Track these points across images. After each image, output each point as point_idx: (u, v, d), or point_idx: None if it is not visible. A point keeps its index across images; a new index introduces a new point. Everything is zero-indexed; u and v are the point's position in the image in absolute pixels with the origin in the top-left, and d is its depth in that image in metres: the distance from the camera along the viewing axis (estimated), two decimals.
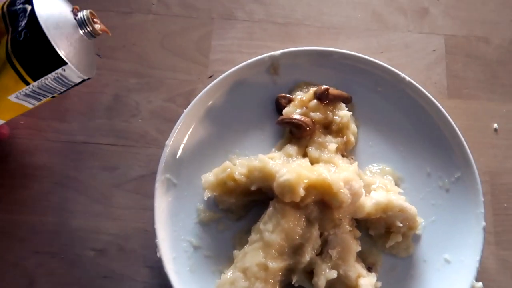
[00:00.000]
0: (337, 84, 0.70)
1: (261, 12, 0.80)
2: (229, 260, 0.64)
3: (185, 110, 0.68)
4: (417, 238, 0.67)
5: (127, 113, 0.74)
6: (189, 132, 0.69)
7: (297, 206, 0.60)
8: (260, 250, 0.59)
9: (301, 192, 0.58)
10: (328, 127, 0.68)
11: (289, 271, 0.60)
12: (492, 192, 0.71)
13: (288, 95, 0.71)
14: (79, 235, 0.69)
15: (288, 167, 0.60)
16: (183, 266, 0.64)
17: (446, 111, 0.68)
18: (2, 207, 0.70)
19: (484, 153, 0.73)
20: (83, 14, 0.59)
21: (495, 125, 0.75)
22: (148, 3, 0.80)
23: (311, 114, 0.67)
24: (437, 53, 0.78)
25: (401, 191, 0.67)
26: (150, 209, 0.65)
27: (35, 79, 0.58)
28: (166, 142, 0.67)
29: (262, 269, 0.58)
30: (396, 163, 0.70)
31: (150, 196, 0.65)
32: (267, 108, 0.71)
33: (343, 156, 0.68)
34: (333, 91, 0.68)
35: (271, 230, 0.59)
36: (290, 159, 0.65)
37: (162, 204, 0.66)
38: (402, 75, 0.70)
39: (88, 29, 0.59)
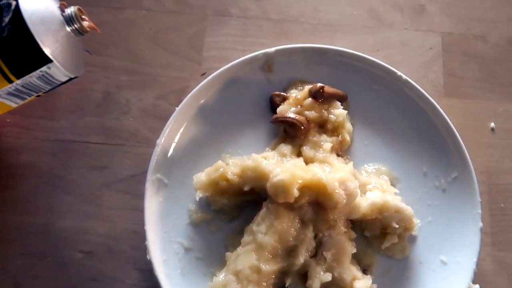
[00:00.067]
0: (333, 82, 0.69)
1: (256, 8, 0.79)
2: (221, 262, 0.63)
3: (177, 108, 0.67)
4: (413, 239, 0.66)
5: (118, 111, 0.73)
6: (181, 131, 0.68)
7: (291, 207, 0.59)
8: (253, 252, 0.58)
9: (295, 192, 0.57)
10: (323, 126, 0.67)
11: (282, 274, 0.59)
12: (489, 192, 0.71)
13: (282, 93, 0.70)
14: (67, 236, 0.67)
15: (282, 167, 0.59)
16: (174, 268, 0.63)
17: (442, 110, 0.68)
18: None
19: (481, 152, 0.72)
20: (70, 10, 0.57)
21: (492, 124, 0.74)
22: None
23: (306, 112, 0.66)
24: (433, 51, 0.77)
25: (397, 191, 0.66)
26: (141, 210, 0.63)
27: (18, 77, 0.56)
28: (157, 141, 0.66)
29: (255, 271, 0.57)
30: (392, 163, 0.69)
31: (141, 196, 0.64)
32: (261, 107, 0.70)
33: (338, 155, 0.67)
34: (328, 89, 0.67)
35: (264, 231, 0.58)
36: (284, 158, 0.64)
37: (152, 204, 0.64)
38: (399, 73, 0.69)
39: (75, 26, 0.58)
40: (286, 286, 0.60)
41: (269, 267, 0.57)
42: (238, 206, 0.65)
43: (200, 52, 0.76)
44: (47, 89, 0.60)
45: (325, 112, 0.67)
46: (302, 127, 0.65)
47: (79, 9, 0.58)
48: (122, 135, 0.72)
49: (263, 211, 0.60)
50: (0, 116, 0.63)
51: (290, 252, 0.59)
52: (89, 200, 0.69)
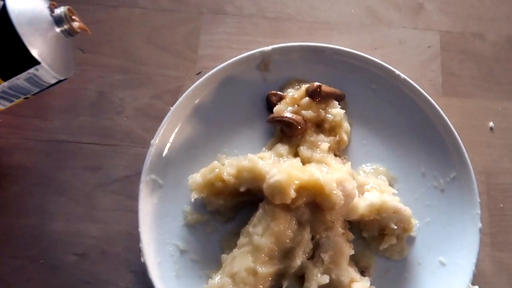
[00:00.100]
0: (330, 81, 0.69)
1: (252, 6, 0.78)
2: (217, 264, 0.62)
3: (172, 108, 0.66)
4: (411, 240, 0.65)
5: (112, 111, 0.72)
6: (176, 131, 0.67)
7: (287, 208, 0.58)
8: (249, 254, 0.57)
9: (292, 193, 0.56)
10: (320, 126, 0.66)
11: (279, 276, 0.59)
12: (487, 192, 0.70)
13: (279, 92, 0.69)
14: (59, 239, 0.66)
15: (278, 168, 0.58)
16: (169, 271, 0.62)
17: (441, 109, 0.67)
18: None
19: (479, 152, 0.72)
20: (60, 10, 0.56)
21: (491, 124, 0.73)
22: None
23: (303, 112, 0.66)
24: (432, 49, 0.77)
25: (395, 191, 0.65)
26: (135, 211, 0.62)
27: (5, 79, 0.54)
28: (152, 141, 0.65)
29: (251, 274, 0.56)
30: (390, 163, 0.68)
31: (135, 198, 0.63)
32: (257, 106, 0.69)
33: (335, 155, 0.66)
34: (325, 88, 0.66)
35: (261, 233, 0.57)
36: (280, 159, 0.63)
37: (146, 206, 0.63)
38: (397, 72, 0.68)
39: (65, 26, 0.56)
40: None
41: (266, 270, 0.57)
42: (234, 207, 0.64)
43: (195, 50, 0.75)
44: (36, 91, 0.59)
45: (323, 112, 0.66)
46: (299, 127, 0.64)
47: (69, 9, 0.56)
48: (116, 135, 0.71)
49: (259, 212, 0.59)
50: None
51: (287, 254, 0.58)
52: (82, 201, 0.68)
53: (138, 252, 0.61)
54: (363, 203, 0.61)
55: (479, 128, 0.73)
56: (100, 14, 0.76)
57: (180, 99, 0.66)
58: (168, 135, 0.66)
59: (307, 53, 0.69)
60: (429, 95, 0.68)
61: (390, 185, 0.67)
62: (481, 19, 0.79)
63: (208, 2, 0.78)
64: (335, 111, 0.66)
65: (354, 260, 0.63)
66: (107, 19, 0.76)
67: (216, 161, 0.64)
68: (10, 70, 0.54)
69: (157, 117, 0.68)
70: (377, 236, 0.64)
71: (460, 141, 0.65)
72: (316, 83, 0.66)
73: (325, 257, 0.58)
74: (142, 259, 0.61)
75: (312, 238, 0.59)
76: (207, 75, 0.67)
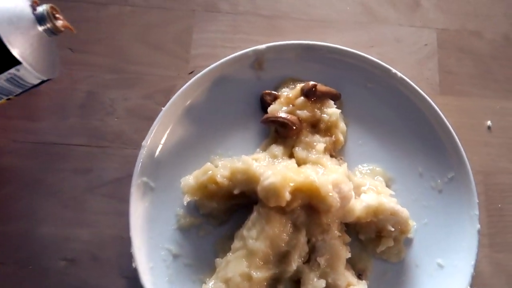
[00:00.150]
0: (325, 80, 0.67)
1: (246, 4, 0.77)
2: (211, 269, 0.61)
3: (163, 108, 0.65)
4: (409, 242, 0.64)
5: (102, 112, 0.70)
6: (168, 132, 0.66)
7: (282, 211, 0.57)
8: (243, 259, 0.56)
9: (287, 196, 0.55)
10: (315, 126, 0.65)
11: (274, 281, 0.57)
12: (485, 193, 0.69)
13: (273, 91, 0.68)
14: (49, 244, 0.65)
15: (273, 169, 0.57)
16: (161, 276, 0.61)
17: (438, 108, 0.66)
18: None
19: (477, 151, 0.71)
20: (42, 8, 0.54)
21: (489, 123, 0.73)
22: None
23: (298, 112, 0.65)
24: (429, 47, 0.76)
25: (393, 193, 0.64)
26: (126, 215, 0.61)
27: None
28: (143, 142, 0.64)
29: (245, 279, 0.55)
30: (387, 163, 0.67)
31: (126, 201, 0.62)
32: (251, 106, 0.68)
33: (331, 156, 0.65)
34: (321, 87, 0.65)
35: (255, 237, 0.56)
36: (275, 160, 0.62)
37: (138, 209, 0.62)
38: (394, 70, 0.67)
39: (48, 25, 0.54)
40: None
41: (261, 274, 0.55)
42: (228, 210, 0.63)
43: (188, 49, 0.73)
44: (18, 92, 0.57)
45: (318, 112, 0.65)
46: (294, 127, 0.63)
47: (52, 7, 0.54)
48: (106, 136, 0.69)
49: (253, 215, 0.58)
50: None
51: (282, 258, 0.57)
52: (72, 205, 0.66)
53: (130, 257, 0.60)
54: (359, 205, 0.60)
55: (476, 127, 0.72)
56: (89, 12, 0.74)
57: (172, 99, 0.65)
58: (160, 136, 0.65)
59: (302, 51, 0.68)
60: (426, 94, 0.67)
61: (387, 186, 0.66)
62: (478, 17, 0.78)
63: None
64: (331, 111, 0.65)
65: (351, 263, 0.62)
66: (96, 17, 0.74)
67: (209, 163, 0.62)
68: None
69: (148, 117, 0.67)
70: (374, 238, 0.63)
71: (458, 141, 0.65)
72: (311, 82, 0.65)
73: (321, 260, 0.57)
74: (133, 265, 0.59)
75: (308, 242, 0.58)
76: (199, 74, 0.66)
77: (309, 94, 0.65)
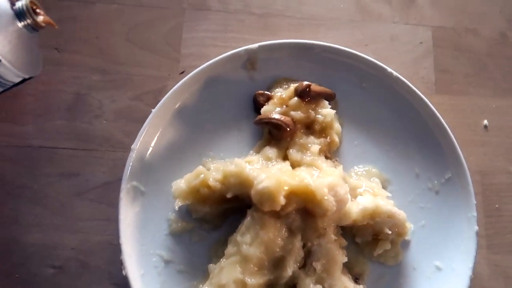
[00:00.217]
0: (319, 79, 0.66)
1: (237, 2, 0.75)
2: (204, 275, 0.59)
3: (153, 110, 0.64)
4: (406, 244, 0.63)
5: (89, 114, 0.69)
6: (158, 134, 0.64)
7: (277, 215, 0.56)
8: (237, 265, 0.55)
9: (282, 200, 0.54)
10: (310, 127, 0.64)
11: (269, 287, 0.56)
12: (483, 193, 0.68)
13: (266, 92, 0.67)
14: (35, 251, 0.63)
15: (267, 173, 0.56)
16: (153, 283, 0.60)
17: (434, 108, 0.65)
18: None
19: (474, 151, 0.70)
20: (21, 3, 0.52)
21: (485, 122, 0.72)
22: None
23: (292, 113, 0.63)
24: (424, 45, 0.74)
25: (389, 194, 0.63)
26: (116, 220, 0.60)
27: None
28: (132, 145, 0.62)
29: (240, 285, 0.54)
30: (383, 164, 0.66)
31: (116, 206, 0.60)
32: (243, 107, 0.67)
33: (326, 158, 0.64)
34: (315, 87, 0.64)
35: (249, 242, 0.55)
36: (269, 163, 0.61)
37: (128, 215, 0.60)
38: (389, 69, 0.66)
39: (28, 21, 0.53)
40: None
41: (255, 281, 0.54)
42: (221, 214, 0.62)
43: (178, 49, 0.72)
44: None
45: (312, 112, 0.64)
46: (288, 129, 0.62)
47: (31, 2, 0.52)
48: (94, 139, 0.68)
49: (247, 220, 0.57)
50: None
51: (277, 263, 0.56)
52: (59, 211, 0.65)
53: (120, 263, 0.58)
54: (356, 208, 0.59)
55: (473, 126, 0.72)
56: (75, 11, 0.72)
57: (162, 100, 0.64)
58: (150, 139, 0.64)
59: (295, 50, 0.67)
60: (422, 93, 0.66)
61: (383, 187, 0.65)
62: (473, 14, 0.77)
63: None
64: (326, 111, 0.64)
65: (347, 267, 0.61)
66: (83, 16, 0.72)
67: (201, 166, 0.61)
68: None
69: (138, 120, 0.66)
70: (370, 241, 0.62)
71: (454, 141, 0.64)
72: (305, 82, 0.64)
73: (318, 265, 0.56)
74: (123, 272, 0.58)
75: (304, 246, 0.57)
76: (190, 74, 0.65)
77: (303, 94, 0.63)
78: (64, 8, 0.72)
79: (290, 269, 0.55)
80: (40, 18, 0.53)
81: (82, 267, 0.63)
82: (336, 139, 0.64)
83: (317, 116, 0.64)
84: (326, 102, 0.65)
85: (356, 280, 0.60)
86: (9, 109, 0.67)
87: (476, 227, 0.61)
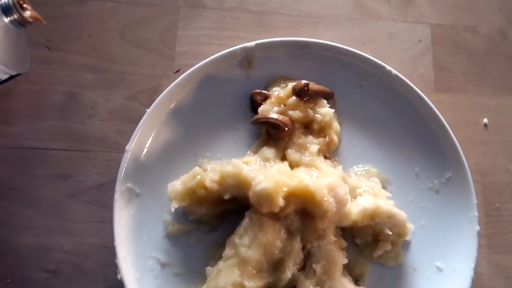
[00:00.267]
0: (318, 78, 0.65)
1: None
2: (201, 278, 0.58)
3: (148, 109, 0.63)
4: (406, 244, 0.62)
5: (82, 114, 0.68)
6: (153, 135, 0.63)
7: (276, 216, 0.55)
8: (235, 268, 0.54)
9: (280, 201, 0.53)
10: (308, 127, 0.63)
11: None
12: (483, 192, 0.68)
13: (263, 91, 0.66)
14: (28, 255, 0.62)
15: (265, 173, 0.55)
16: (149, 287, 0.59)
17: (434, 106, 0.64)
18: None
19: (474, 150, 0.69)
20: None
21: (485, 120, 0.71)
22: None
23: (290, 112, 0.62)
24: (423, 43, 0.74)
25: (389, 195, 0.62)
26: (110, 222, 0.59)
27: None
28: (127, 146, 0.61)
29: None
30: (382, 163, 0.65)
31: (110, 208, 0.59)
32: (240, 106, 0.66)
33: (325, 158, 0.63)
34: (313, 86, 0.63)
35: (248, 244, 0.54)
36: (267, 163, 0.60)
37: (122, 217, 0.59)
38: (388, 67, 0.65)
39: (14, 16, 0.51)
40: None
41: (254, 284, 0.53)
42: (219, 215, 0.61)
43: (172, 47, 0.71)
44: None
45: (311, 112, 0.63)
46: (286, 128, 0.61)
47: None
48: (88, 140, 0.66)
49: (245, 221, 0.56)
50: None
51: (276, 266, 0.55)
52: (52, 213, 0.64)
53: (115, 267, 0.57)
54: (355, 209, 0.58)
55: (472, 125, 0.71)
56: (67, 8, 0.71)
57: (157, 100, 0.63)
58: (144, 139, 0.62)
59: (293, 48, 0.66)
60: (421, 91, 0.65)
61: (383, 187, 0.64)
62: (472, 11, 0.76)
63: None
64: (324, 111, 0.63)
65: (347, 269, 0.60)
66: (75, 14, 0.71)
67: (197, 167, 0.60)
68: None
69: (132, 119, 0.65)
70: (370, 242, 0.61)
71: (455, 139, 0.63)
72: (304, 81, 0.63)
73: (317, 267, 0.55)
74: (118, 276, 0.57)
75: (303, 248, 0.56)
76: (186, 73, 0.64)
77: (301, 93, 0.62)
78: (56, 5, 0.71)
79: (289, 271, 0.54)
80: (27, 13, 0.52)
81: (76, 271, 0.62)
82: (335, 138, 0.63)
83: (315, 115, 0.63)
84: (325, 101, 0.64)
85: (356, 281, 0.60)
86: (0, 110, 0.66)
87: (478, 227, 0.60)
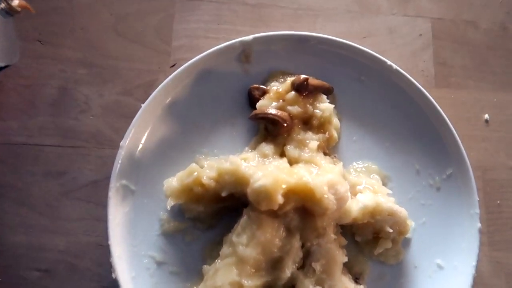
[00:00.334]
0: (317, 73, 0.65)
1: None
2: (198, 277, 0.58)
3: (143, 105, 0.62)
4: (406, 242, 0.62)
5: (76, 109, 0.67)
6: (148, 130, 0.62)
7: (274, 214, 0.54)
8: (233, 266, 0.53)
9: (279, 199, 0.52)
10: (308, 122, 0.62)
11: None
12: (484, 189, 0.67)
13: (262, 86, 0.65)
14: (21, 254, 0.61)
15: (263, 170, 0.54)
16: (145, 286, 0.58)
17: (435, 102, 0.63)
18: None
19: (474, 146, 0.69)
20: None
21: (486, 116, 0.70)
22: None
23: (289, 107, 0.62)
24: (423, 38, 0.72)
25: (390, 192, 0.62)
26: (105, 220, 0.58)
27: None
28: (121, 142, 0.60)
29: None
30: (382, 160, 0.64)
31: (104, 205, 0.59)
32: (238, 101, 0.65)
33: (325, 154, 0.62)
34: (312, 81, 0.62)
35: (246, 243, 0.53)
36: (265, 159, 0.59)
37: (117, 215, 0.59)
38: (389, 62, 0.64)
39: (2, 5, 0.51)
40: None
41: (252, 283, 0.52)
42: (216, 213, 0.60)
43: (168, 41, 0.69)
44: None
45: (310, 107, 0.62)
46: (285, 124, 0.60)
47: None
48: (81, 136, 0.66)
49: (243, 219, 0.55)
50: None
51: (275, 264, 0.54)
52: (45, 211, 0.63)
53: (109, 266, 0.57)
54: (356, 206, 0.57)
55: (473, 121, 0.70)
56: (60, 1, 0.70)
57: (153, 95, 0.62)
58: (140, 135, 0.62)
59: (291, 42, 0.65)
60: (421, 86, 0.64)
61: (383, 184, 0.64)
62: (473, 5, 0.75)
63: None
64: (324, 106, 0.62)
65: (347, 267, 0.59)
66: (68, 6, 0.70)
67: (194, 164, 0.59)
68: None
69: (127, 115, 0.64)
70: (370, 240, 0.60)
71: (456, 136, 0.62)
72: (303, 76, 0.62)
73: (317, 266, 0.55)
74: (113, 275, 0.56)
75: (302, 246, 0.56)
76: (182, 68, 0.63)
77: (301, 88, 0.61)
78: None
79: (288, 270, 0.54)
80: (15, 2, 0.51)
81: (70, 270, 0.61)
82: (335, 134, 0.62)
83: (315, 110, 0.62)
84: (324, 97, 0.63)
85: (356, 280, 0.59)
86: None
87: (479, 224, 0.60)
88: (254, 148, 0.62)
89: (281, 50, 0.65)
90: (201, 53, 0.63)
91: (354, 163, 0.64)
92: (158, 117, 0.62)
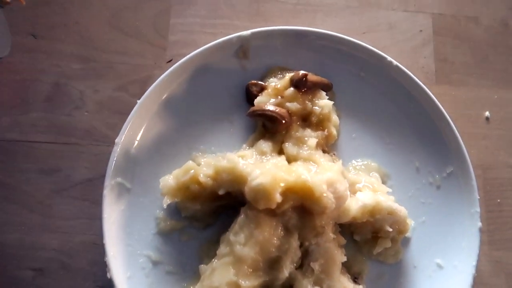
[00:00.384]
0: (316, 69, 0.64)
1: None
2: (195, 276, 0.57)
3: (139, 101, 0.61)
4: (406, 241, 0.61)
5: (70, 105, 0.66)
6: (144, 127, 0.62)
7: (272, 213, 0.53)
8: (230, 266, 0.52)
9: (278, 197, 0.51)
10: (306, 119, 0.62)
11: None
12: (484, 187, 0.66)
13: (260, 82, 0.64)
14: (13, 253, 0.61)
15: (261, 168, 0.53)
16: (140, 286, 0.57)
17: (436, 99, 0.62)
18: None
19: (475, 144, 0.68)
20: None
21: (487, 113, 0.70)
22: None
23: (287, 104, 0.61)
24: (424, 33, 0.72)
25: (389, 190, 0.61)
26: (100, 218, 0.57)
27: None
28: (117, 139, 0.60)
29: None
30: (382, 158, 0.64)
31: (99, 203, 0.58)
32: (235, 98, 0.64)
33: (324, 151, 0.61)
34: (312, 77, 0.61)
35: (243, 242, 0.53)
36: (263, 157, 0.58)
37: (112, 213, 0.58)
38: (389, 58, 0.63)
39: None
40: None
41: (250, 283, 0.52)
42: (213, 212, 0.60)
43: (165, 35, 0.69)
44: None
45: (309, 104, 0.61)
46: (283, 121, 0.59)
47: None
48: (75, 133, 0.65)
49: (241, 218, 0.54)
50: None
51: (273, 264, 0.53)
52: (38, 209, 0.62)
53: (104, 265, 0.56)
54: (355, 205, 0.57)
55: (474, 118, 0.69)
56: None
57: (149, 90, 0.61)
58: (135, 132, 0.61)
59: (290, 38, 0.64)
60: (422, 83, 0.63)
61: (382, 182, 0.63)
62: (474, 1, 0.75)
63: None
64: (323, 103, 0.61)
65: (346, 266, 0.59)
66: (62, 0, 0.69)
67: (190, 161, 0.59)
68: None
69: (122, 111, 0.63)
70: (370, 239, 0.60)
71: (457, 133, 0.61)
72: (302, 72, 0.61)
73: (315, 266, 0.54)
74: (108, 275, 0.55)
75: (301, 246, 0.55)
76: (178, 63, 0.62)
77: (299, 84, 0.61)
78: None
79: (286, 270, 0.53)
80: None
81: (64, 269, 0.60)
82: (334, 132, 0.62)
83: (314, 107, 0.61)
84: (323, 93, 0.62)
85: (355, 279, 0.58)
86: None
87: (480, 223, 0.59)
88: (252, 145, 0.61)
89: (279, 45, 0.64)
90: (198, 48, 0.62)
91: (354, 161, 0.63)
92: (154, 113, 0.61)
